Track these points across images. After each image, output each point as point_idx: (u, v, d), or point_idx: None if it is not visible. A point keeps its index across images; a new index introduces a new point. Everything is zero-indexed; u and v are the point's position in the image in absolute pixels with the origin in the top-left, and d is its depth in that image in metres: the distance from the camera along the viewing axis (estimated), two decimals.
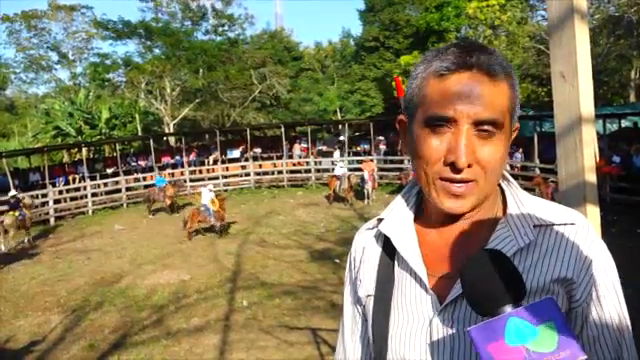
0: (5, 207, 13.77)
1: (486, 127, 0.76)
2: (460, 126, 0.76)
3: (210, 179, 20.89)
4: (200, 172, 21.36)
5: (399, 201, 0.94)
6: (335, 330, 5.21)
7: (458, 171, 0.76)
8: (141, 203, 18.93)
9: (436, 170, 0.78)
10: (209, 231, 13.09)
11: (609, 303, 0.77)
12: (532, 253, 0.78)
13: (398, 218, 0.90)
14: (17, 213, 13.07)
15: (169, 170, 21.11)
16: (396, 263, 0.88)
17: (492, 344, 0.62)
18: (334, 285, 8.52)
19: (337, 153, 21.69)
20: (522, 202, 0.83)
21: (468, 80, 0.76)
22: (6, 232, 12.70)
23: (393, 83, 22.93)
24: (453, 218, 0.83)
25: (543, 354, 0.60)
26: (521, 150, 16.26)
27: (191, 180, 20.29)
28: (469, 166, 0.76)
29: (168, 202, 16.37)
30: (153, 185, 17.60)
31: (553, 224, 0.80)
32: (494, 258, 0.67)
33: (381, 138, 21.36)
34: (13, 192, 14.23)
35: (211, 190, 13.41)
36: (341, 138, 24.52)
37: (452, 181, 0.77)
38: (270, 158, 23.15)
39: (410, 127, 0.84)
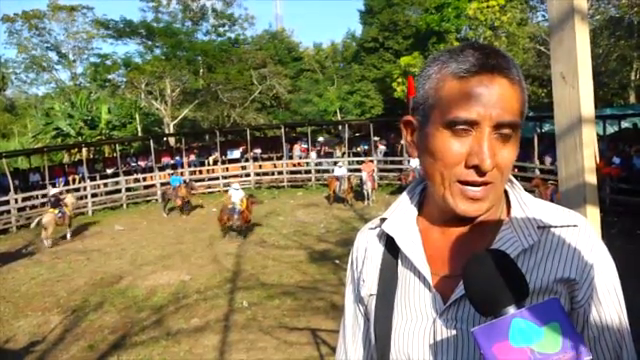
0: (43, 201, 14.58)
1: (506, 130, 0.76)
2: (482, 129, 0.76)
3: (210, 179, 20.92)
4: (200, 172, 21.34)
5: (402, 200, 0.94)
6: (335, 331, 5.20)
7: (482, 174, 0.76)
8: (141, 204, 18.95)
9: (456, 173, 0.78)
10: (233, 230, 12.92)
11: (609, 304, 0.77)
12: (535, 254, 0.79)
13: (401, 217, 0.90)
14: (57, 211, 13.54)
15: (169, 171, 21.10)
16: (399, 262, 0.88)
17: (497, 345, 0.62)
18: (334, 286, 8.52)
19: (314, 154, 21.78)
20: (525, 204, 0.84)
21: (490, 83, 0.76)
22: (45, 229, 13.18)
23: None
24: (459, 219, 0.82)
25: (548, 355, 0.60)
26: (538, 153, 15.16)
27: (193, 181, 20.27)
28: None
29: (179, 202, 16.29)
30: (168, 183, 17.67)
31: (556, 226, 0.80)
32: (497, 258, 0.67)
33: (376, 138, 21.33)
34: (55, 190, 14.90)
35: (237, 189, 13.27)
36: (320, 139, 24.68)
37: (474, 184, 0.77)
38: (270, 159, 23.15)
39: (423, 128, 0.83)
